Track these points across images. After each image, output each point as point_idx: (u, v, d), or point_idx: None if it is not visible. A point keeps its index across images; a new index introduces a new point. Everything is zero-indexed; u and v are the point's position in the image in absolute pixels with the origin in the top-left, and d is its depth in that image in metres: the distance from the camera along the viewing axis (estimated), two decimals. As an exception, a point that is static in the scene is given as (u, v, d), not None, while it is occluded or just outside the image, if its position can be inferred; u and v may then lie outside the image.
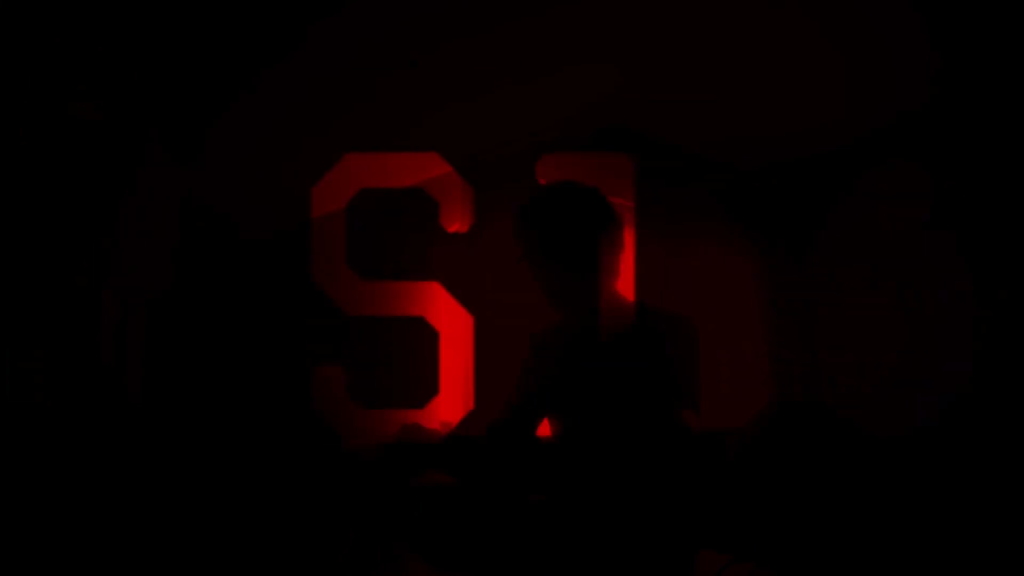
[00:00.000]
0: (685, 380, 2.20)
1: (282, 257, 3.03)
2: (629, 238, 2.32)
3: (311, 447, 2.44)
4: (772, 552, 1.59)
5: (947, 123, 2.76)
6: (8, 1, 2.23)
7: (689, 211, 3.26)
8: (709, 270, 3.15)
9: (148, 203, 2.73)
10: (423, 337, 2.67)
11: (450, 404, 2.64)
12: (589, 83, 2.84)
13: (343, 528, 2.21)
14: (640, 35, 2.58)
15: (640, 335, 2.17)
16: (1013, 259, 2.60)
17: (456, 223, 3.06)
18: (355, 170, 2.70)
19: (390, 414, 2.38)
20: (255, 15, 2.35)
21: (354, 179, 2.84)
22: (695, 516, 2.09)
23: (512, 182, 2.60)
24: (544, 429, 2.20)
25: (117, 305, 2.66)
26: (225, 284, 2.89)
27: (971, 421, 2.55)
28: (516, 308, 2.84)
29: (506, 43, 2.58)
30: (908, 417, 2.64)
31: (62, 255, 2.55)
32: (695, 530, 2.08)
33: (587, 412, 2.13)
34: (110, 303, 2.64)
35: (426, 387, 2.63)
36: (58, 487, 2.39)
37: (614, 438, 2.12)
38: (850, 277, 3.06)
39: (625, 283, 2.30)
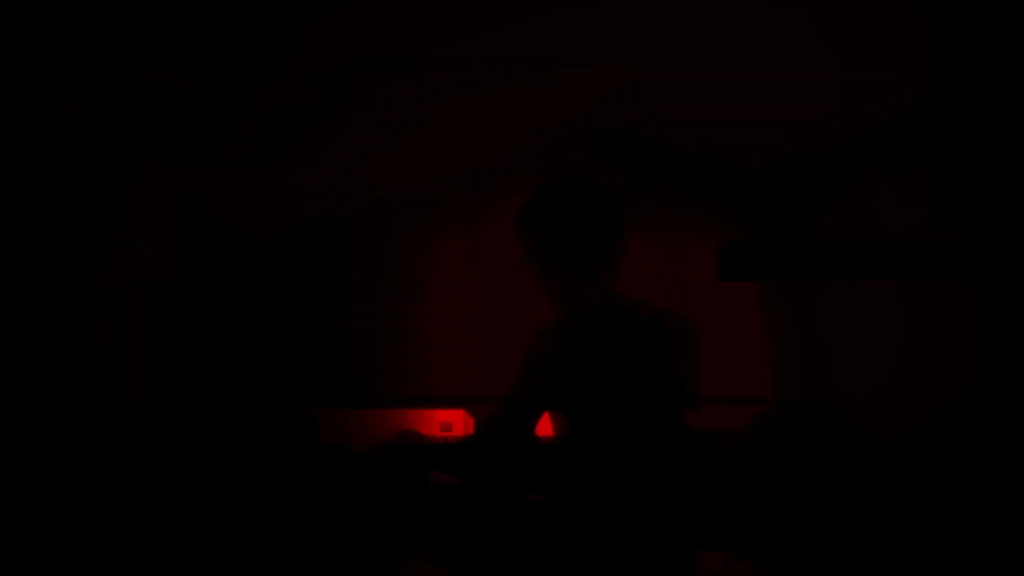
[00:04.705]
0: (685, 380, 2.20)
1: (282, 257, 3.03)
2: (630, 237, 2.32)
3: (311, 448, 2.44)
4: (772, 552, 1.59)
5: (947, 123, 2.76)
6: (9, 1, 2.23)
7: (689, 211, 3.26)
8: (709, 270, 3.15)
9: (148, 203, 2.74)
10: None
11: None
12: (589, 83, 2.84)
13: (344, 528, 2.21)
14: (641, 35, 2.58)
15: (640, 335, 2.17)
16: (1013, 259, 2.60)
17: (456, 223, 3.06)
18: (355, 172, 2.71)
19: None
20: (256, 15, 2.35)
21: (354, 179, 2.85)
22: (695, 516, 2.09)
23: (512, 182, 2.61)
24: (544, 429, 2.20)
25: (117, 305, 2.66)
26: (225, 284, 2.89)
27: (971, 421, 2.55)
28: (516, 307, 2.85)
29: (507, 43, 2.59)
30: (908, 417, 2.64)
31: (62, 255, 2.55)
32: (695, 530, 2.08)
33: (587, 412, 2.13)
34: (110, 303, 2.64)
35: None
36: (58, 487, 2.39)
37: (614, 438, 2.11)
38: (850, 277, 3.07)
39: (626, 282, 2.30)
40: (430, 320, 3.13)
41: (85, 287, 2.59)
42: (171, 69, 2.51)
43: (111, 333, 2.63)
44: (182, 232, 2.81)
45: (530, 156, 3.10)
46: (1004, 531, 2.26)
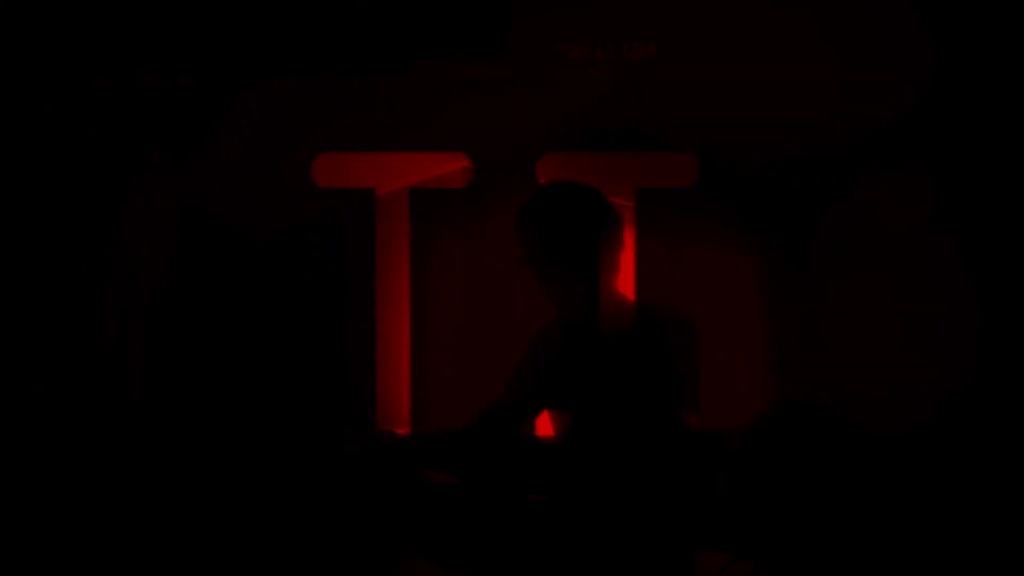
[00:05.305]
0: (685, 380, 2.20)
1: (282, 258, 3.03)
2: (629, 238, 2.32)
3: (310, 447, 2.43)
4: (772, 552, 1.59)
5: (947, 123, 2.76)
6: (9, 1, 2.23)
7: (689, 211, 3.25)
8: (709, 270, 3.14)
9: (148, 203, 2.73)
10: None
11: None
12: (589, 83, 2.84)
13: (343, 528, 2.21)
14: (640, 35, 2.58)
15: (640, 335, 2.17)
16: (1013, 259, 2.60)
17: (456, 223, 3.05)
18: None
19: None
20: (255, 15, 2.35)
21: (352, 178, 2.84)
22: (695, 516, 2.09)
23: (512, 182, 2.60)
24: (545, 429, 2.20)
25: (117, 305, 2.66)
26: (225, 285, 2.89)
27: (971, 421, 2.55)
28: (515, 307, 2.84)
29: (507, 43, 2.58)
30: (908, 417, 2.64)
31: (63, 255, 2.55)
32: (695, 530, 2.08)
33: (587, 412, 2.13)
34: (110, 303, 2.64)
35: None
36: (58, 487, 2.39)
37: (614, 438, 2.11)
38: (850, 277, 3.06)
39: (625, 283, 2.30)
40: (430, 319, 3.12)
41: (85, 287, 2.58)
42: (170, 69, 2.51)
43: (111, 333, 2.63)
44: (182, 232, 2.80)
45: (530, 156, 3.09)
46: (1004, 531, 2.26)
